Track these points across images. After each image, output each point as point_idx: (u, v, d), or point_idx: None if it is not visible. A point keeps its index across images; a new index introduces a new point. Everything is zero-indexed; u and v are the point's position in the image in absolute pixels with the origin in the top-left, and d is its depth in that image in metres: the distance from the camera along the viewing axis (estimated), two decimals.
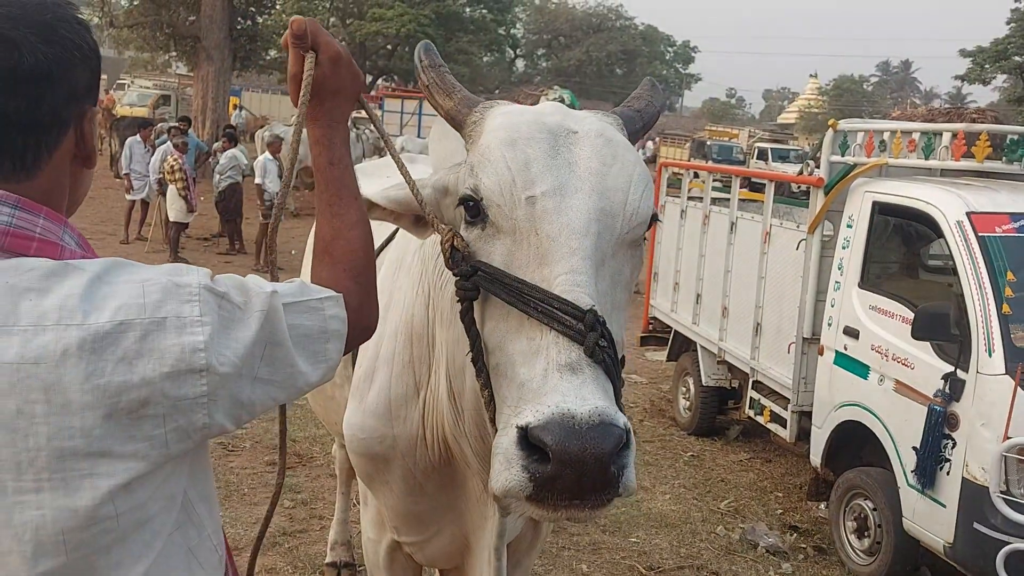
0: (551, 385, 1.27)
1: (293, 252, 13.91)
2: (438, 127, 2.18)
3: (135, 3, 24.18)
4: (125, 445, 1.05)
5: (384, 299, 1.89)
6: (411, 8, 34.73)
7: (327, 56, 1.39)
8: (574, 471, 1.20)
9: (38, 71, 1.10)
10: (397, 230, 2.29)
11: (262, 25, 29.02)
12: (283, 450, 1.55)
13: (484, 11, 40.65)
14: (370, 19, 34.11)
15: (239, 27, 25.01)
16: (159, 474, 1.10)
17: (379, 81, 40.11)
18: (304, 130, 1.41)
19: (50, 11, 1.13)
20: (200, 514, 1.19)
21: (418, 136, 19.68)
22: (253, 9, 27.24)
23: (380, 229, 2.36)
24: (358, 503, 4.86)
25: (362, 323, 1.33)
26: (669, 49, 56.69)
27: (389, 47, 37.07)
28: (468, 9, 40.15)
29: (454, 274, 1.53)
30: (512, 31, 46.42)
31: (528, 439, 1.24)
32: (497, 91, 38.62)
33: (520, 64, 51.69)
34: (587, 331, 1.30)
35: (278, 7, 33.35)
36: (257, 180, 12.74)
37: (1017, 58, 25.96)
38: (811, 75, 68.47)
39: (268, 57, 34.31)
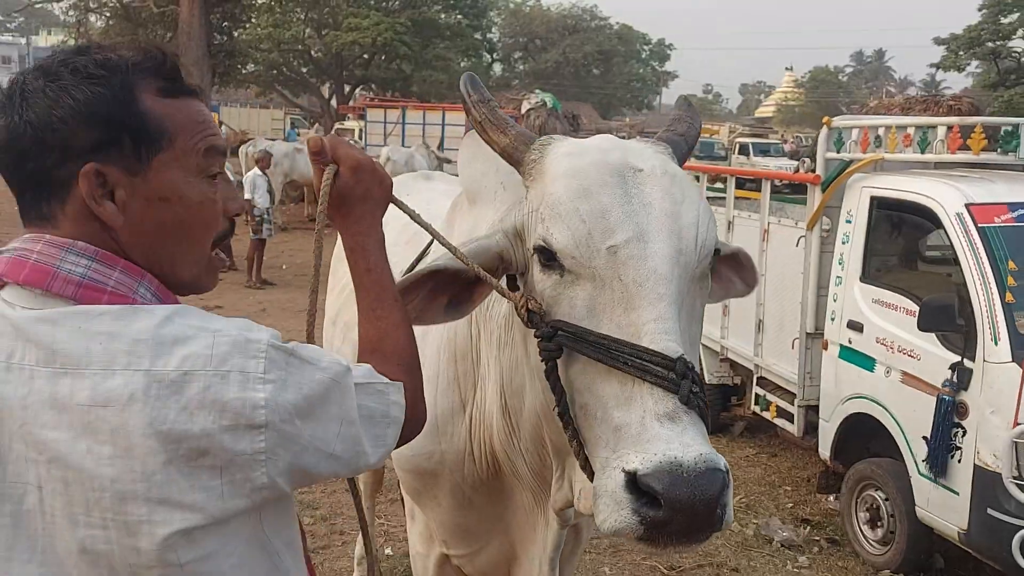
0: (652, 433, 1.30)
1: (284, 267, 13.92)
2: (467, 149, 2.20)
3: (111, 23, 24.07)
4: (183, 494, 1.07)
5: None
6: (386, 17, 34.66)
7: (347, 167, 1.43)
8: (685, 516, 1.25)
9: (14, 134, 1.16)
10: (431, 243, 2.31)
11: (239, 40, 28.97)
12: (365, 532, 1.63)
13: (460, 17, 40.63)
14: (346, 29, 33.98)
15: (216, 43, 24.94)
16: (224, 529, 1.12)
17: (358, 91, 40.03)
18: (326, 239, 1.49)
19: (51, 73, 1.18)
20: (285, 562, 1.22)
21: (403, 145, 19.65)
22: (229, 24, 27.19)
23: (411, 239, 2.38)
24: (381, 517, 4.90)
25: (415, 416, 1.36)
26: (645, 48, 56.88)
27: (366, 56, 36.96)
28: (443, 15, 40.11)
29: (536, 335, 1.53)
30: (488, 35, 46.42)
31: (636, 484, 1.28)
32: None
33: (498, 68, 51.70)
34: (680, 379, 1.32)
35: (253, 20, 33.28)
36: (246, 195, 12.71)
37: (990, 44, 26.30)
38: (786, 68, 69.05)
39: (246, 71, 34.23)
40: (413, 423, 1.35)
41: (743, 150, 28.71)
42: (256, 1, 30.07)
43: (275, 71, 38.27)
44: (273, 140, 22.28)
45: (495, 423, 1.94)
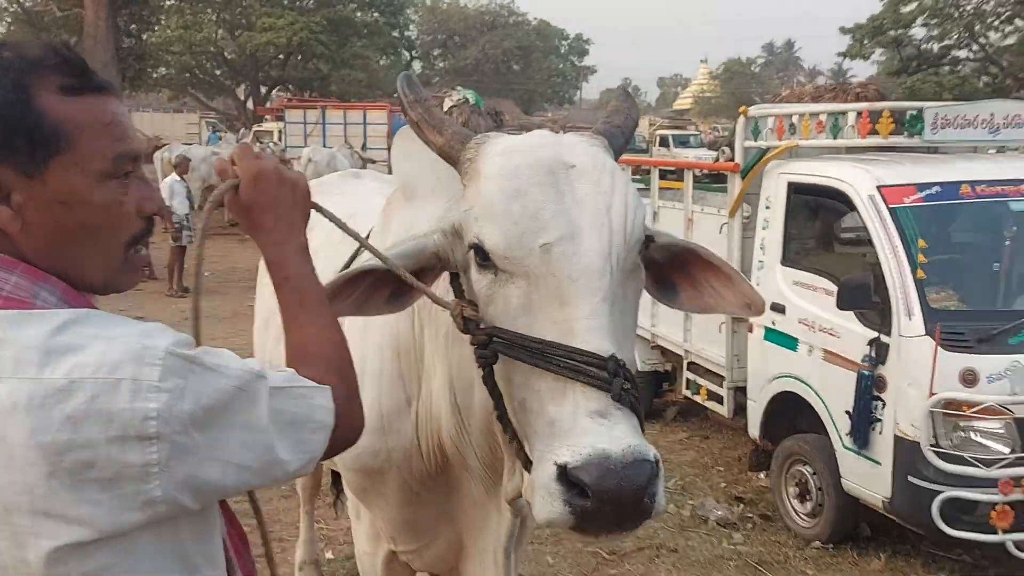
0: (583, 427, 1.33)
1: (206, 274, 13.58)
2: (401, 145, 2.21)
3: (12, 29, 23.12)
4: (68, 508, 1.03)
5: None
6: (301, 16, 34.19)
7: (247, 178, 1.38)
8: (613, 507, 1.29)
9: None
10: (367, 237, 2.29)
11: (148, 42, 28.17)
12: (266, 541, 1.57)
13: (376, 15, 40.30)
14: (260, 29, 33.36)
15: (125, 46, 24.21)
16: (123, 542, 1.08)
17: (275, 92, 39.34)
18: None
19: None
20: None
21: (324, 146, 19.39)
22: (137, 27, 26.43)
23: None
24: (320, 521, 4.85)
25: (349, 422, 1.31)
26: (563, 43, 57.39)
27: (282, 57, 36.36)
28: (359, 14, 39.71)
29: (471, 342, 1.55)
30: (406, 33, 46.19)
31: (567, 476, 1.31)
32: (396, 94, 38.29)
33: (417, 66, 51.42)
34: (612, 378, 1.35)
35: (163, 22, 32.38)
36: (165, 202, 12.38)
37: (892, 32, 27.34)
38: (701, 60, 70.54)
39: (157, 75, 33.28)
40: (347, 429, 1.31)
41: (663, 142, 29.22)
42: (165, 3, 29.27)
43: (188, 74, 37.34)
44: (189, 145, 21.74)
45: (444, 418, 1.95)
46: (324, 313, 1.38)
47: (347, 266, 2.43)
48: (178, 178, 12.56)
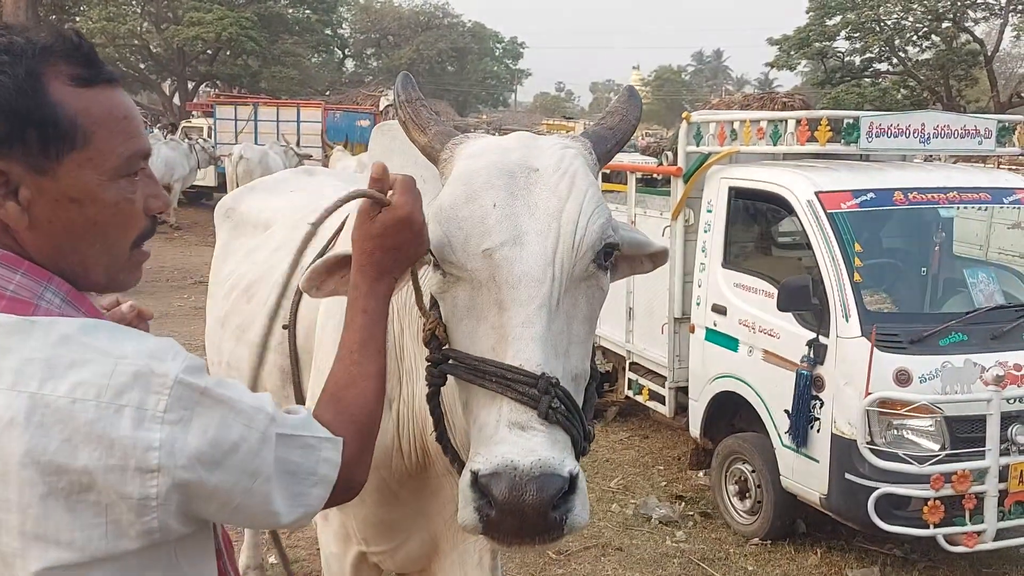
0: (500, 437, 1.34)
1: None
2: (379, 144, 2.20)
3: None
4: (61, 531, 1.00)
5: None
6: (231, 11, 33.40)
7: (398, 214, 1.40)
8: (515, 518, 1.29)
9: None
10: (337, 234, 2.27)
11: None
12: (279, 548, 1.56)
13: (308, 12, 39.72)
14: (187, 23, 32.49)
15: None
16: (116, 564, 1.04)
17: (202, 87, 38.42)
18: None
19: None
20: None
21: (255, 143, 19.01)
22: (57, 17, 25.52)
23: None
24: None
25: (351, 478, 1.28)
26: (498, 45, 57.49)
27: (210, 52, 35.49)
28: (291, 10, 39.08)
29: (427, 359, 1.56)
30: (339, 31, 45.64)
31: (478, 483, 1.33)
32: (328, 92, 37.87)
33: (350, 64, 50.93)
34: (540, 395, 1.34)
35: (84, 13, 31.30)
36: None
37: (817, 44, 28.19)
38: (633, 67, 71.58)
39: None
40: (347, 484, 1.27)
41: None
42: None
43: (110, 67, 36.12)
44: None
45: (430, 419, 1.94)
46: (380, 362, 1.38)
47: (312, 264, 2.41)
48: None
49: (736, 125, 5.45)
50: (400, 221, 1.40)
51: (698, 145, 5.72)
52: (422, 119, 1.74)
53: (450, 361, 1.50)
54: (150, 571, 1.08)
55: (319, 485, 1.21)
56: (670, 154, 5.86)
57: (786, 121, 5.16)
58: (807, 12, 28.55)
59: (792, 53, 28.59)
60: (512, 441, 1.32)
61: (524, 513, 1.28)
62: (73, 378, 1.00)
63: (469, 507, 1.34)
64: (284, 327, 2.31)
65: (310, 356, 2.25)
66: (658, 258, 1.86)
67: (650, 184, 7.05)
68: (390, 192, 1.43)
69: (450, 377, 1.59)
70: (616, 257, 1.70)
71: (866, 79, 28.53)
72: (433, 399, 1.59)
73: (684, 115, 5.85)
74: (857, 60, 28.55)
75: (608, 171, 7.60)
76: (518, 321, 1.40)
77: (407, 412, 2.00)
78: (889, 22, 26.68)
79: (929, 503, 4.17)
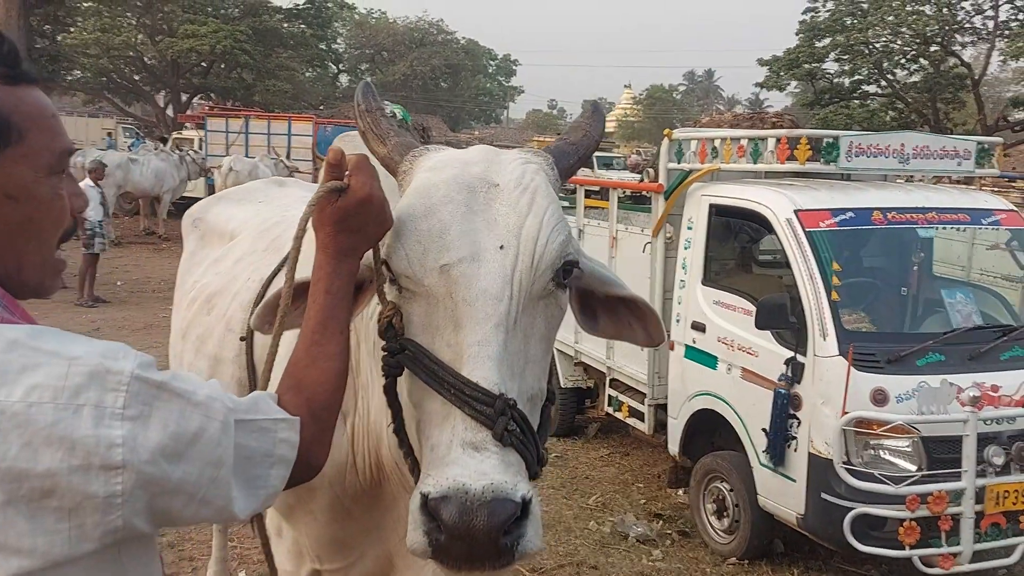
0: (452, 458, 1.30)
1: (119, 283, 13.14)
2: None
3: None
4: (23, 538, 0.97)
5: None
6: (226, 24, 33.45)
7: (357, 196, 1.39)
8: (464, 544, 1.25)
9: None
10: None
11: (63, 44, 27.19)
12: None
13: (303, 26, 39.82)
14: (182, 36, 32.48)
15: (38, 47, 23.31)
16: (70, 568, 1.01)
17: (195, 100, 38.40)
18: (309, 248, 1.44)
19: None
20: None
21: (246, 155, 19.00)
22: (50, 28, 25.49)
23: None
24: (233, 539, 4.69)
25: (310, 459, 1.28)
26: (491, 63, 57.74)
27: (204, 64, 35.52)
28: (286, 24, 39.18)
29: (383, 348, 1.51)
30: (334, 46, 45.76)
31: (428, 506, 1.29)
32: (322, 107, 37.92)
33: (344, 79, 50.90)
34: (497, 416, 1.31)
35: (79, 24, 31.31)
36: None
37: (807, 66, 28.34)
38: (625, 86, 72.00)
39: (72, 78, 32.12)
40: (306, 464, 1.27)
41: (587, 163, 29.57)
42: (82, 4, 28.27)
43: (104, 78, 36.12)
44: (105, 150, 21.03)
45: (385, 434, 1.90)
46: (341, 340, 1.38)
47: (272, 276, 2.37)
48: (92, 183, 12.13)
49: (717, 143, 5.46)
50: (360, 202, 1.40)
51: (679, 162, 5.72)
52: (381, 129, 1.71)
53: (406, 351, 1.45)
54: (100, 573, 1.06)
55: (277, 466, 1.21)
56: (652, 171, 5.85)
57: (766, 139, 5.17)
58: (797, 34, 28.74)
59: (782, 74, 28.72)
60: (464, 463, 1.28)
61: (474, 538, 1.24)
62: (27, 382, 0.98)
63: (419, 530, 1.29)
64: (241, 339, 2.27)
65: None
66: (648, 323, 1.77)
67: (640, 201, 7.05)
68: (347, 175, 1.41)
69: (403, 391, 1.55)
70: (598, 306, 1.70)
71: (855, 100, 28.68)
72: (391, 391, 1.54)
73: (666, 132, 5.85)
74: (846, 82, 28.69)
75: (595, 187, 7.61)
76: (475, 339, 1.36)
77: (362, 427, 1.96)
78: (878, 45, 26.86)
79: (905, 524, 4.15)
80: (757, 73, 30.18)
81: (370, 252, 1.52)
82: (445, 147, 1.71)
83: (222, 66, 35.50)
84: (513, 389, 1.36)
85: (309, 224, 1.45)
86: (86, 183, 12.23)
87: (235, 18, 35.44)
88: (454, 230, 1.44)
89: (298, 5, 40.46)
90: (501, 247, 1.43)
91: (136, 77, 37.48)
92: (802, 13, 28.89)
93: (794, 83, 31.17)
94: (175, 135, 25.00)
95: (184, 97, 37.22)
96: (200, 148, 21.32)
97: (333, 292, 1.39)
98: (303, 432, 1.26)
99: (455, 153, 1.65)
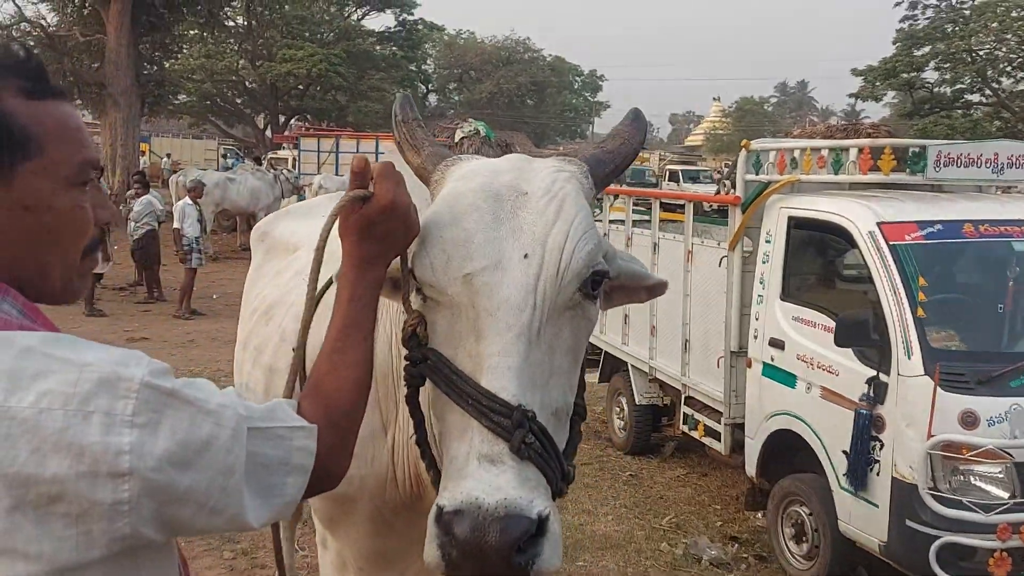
0: (469, 471, 1.28)
1: (215, 296, 13.64)
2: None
3: (35, 52, 23.47)
4: (30, 544, 0.98)
5: None
6: (321, 48, 34.63)
7: (380, 204, 1.37)
8: (475, 560, 1.22)
9: None
10: None
11: (169, 69, 28.58)
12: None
13: (394, 48, 40.83)
14: (280, 60, 33.81)
15: (146, 72, 24.55)
16: (93, 570, 1.02)
17: (292, 121, 39.75)
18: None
19: None
20: None
21: (336, 174, 19.52)
22: (159, 54, 26.82)
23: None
24: (304, 548, 4.77)
25: (329, 467, 1.26)
26: (577, 79, 57.83)
27: (301, 87, 36.78)
28: (378, 47, 40.25)
29: (405, 357, 1.51)
30: (423, 67, 46.73)
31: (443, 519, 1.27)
32: None
33: (433, 99, 51.94)
34: (514, 428, 1.28)
35: (185, 51, 32.87)
36: (175, 224, 12.46)
37: (905, 75, 27.40)
38: (714, 98, 71.00)
39: (178, 102, 33.71)
40: (325, 472, 1.26)
41: (673, 177, 29.26)
42: (187, 32, 29.70)
43: (208, 101, 37.82)
44: (205, 170, 21.97)
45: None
46: (364, 348, 1.36)
47: (327, 287, 2.39)
48: (190, 201, 12.64)
49: (796, 153, 5.29)
50: (383, 209, 1.38)
51: (757, 173, 5.57)
52: (417, 140, 1.71)
53: (428, 361, 1.44)
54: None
55: (294, 474, 1.20)
56: (728, 183, 5.71)
57: (848, 149, 4.98)
58: (894, 43, 27.82)
59: (878, 84, 27.85)
60: (479, 477, 1.26)
61: (485, 555, 1.21)
62: (38, 388, 0.99)
63: (433, 544, 1.27)
64: (293, 349, 2.30)
65: None
66: (655, 290, 1.77)
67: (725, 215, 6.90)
68: (372, 183, 1.40)
69: (425, 402, 1.54)
70: (610, 286, 1.63)
71: (957, 110, 27.52)
72: (412, 400, 1.53)
73: (743, 143, 5.71)
74: (947, 91, 27.60)
75: (671, 201, 7.50)
76: (495, 350, 1.34)
77: (402, 439, 1.95)
78: (981, 52, 25.75)
79: (996, 554, 3.90)
80: (852, 84, 29.28)
81: (398, 260, 1.51)
82: (478, 156, 1.70)
83: (317, 88, 36.71)
84: (535, 402, 1.33)
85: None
86: (184, 201, 12.77)
87: (330, 42, 36.65)
88: (478, 239, 1.42)
89: (390, 28, 41.59)
90: (525, 256, 1.40)
91: (238, 100, 39.14)
92: (900, 21, 28.03)
93: (891, 93, 30.16)
94: (270, 155, 25.94)
95: (282, 119, 38.63)
96: (294, 167, 22.04)
97: (356, 300, 1.38)
98: (321, 440, 1.24)
99: (487, 162, 1.63)
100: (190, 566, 1.41)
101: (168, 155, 30.67)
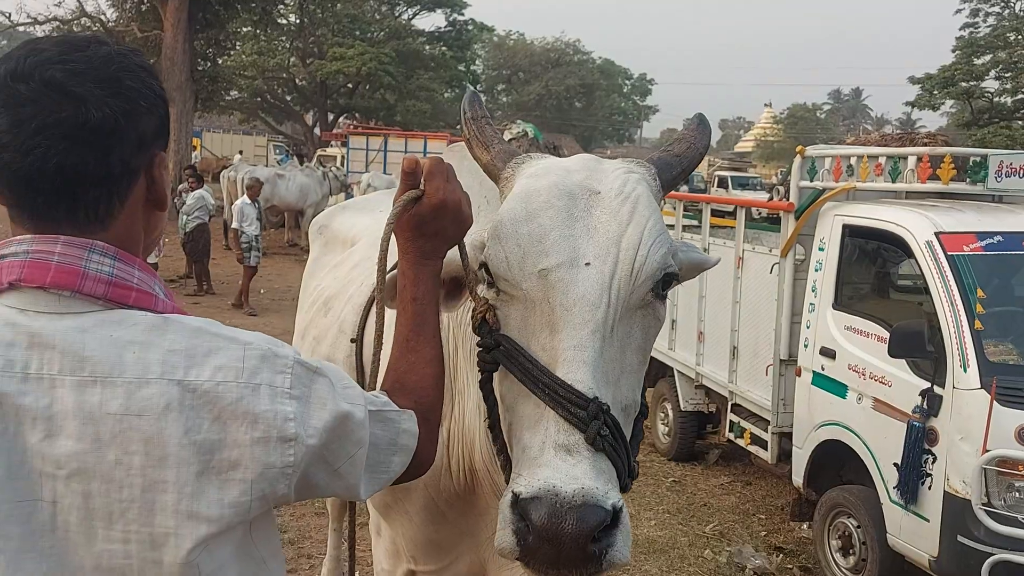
0: (545, 459, 1.30)
1: (262, 291, 13.85)
2: (450, 163, 2.22)
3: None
4: (212, 507, 1.06)
5: None
6: (371, 47, 34.91)
7: (431, 202, 1.43)
8: (552, 546, 1.24)
9: (106, 125, 1.09)
10: None
11: (223, 66, 29.06)
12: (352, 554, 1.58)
13: (444, 48, 41.02)
14: (331, 58, 34.18)
15: (200, 68, 25.00)
16: (236, 534, 1.10)
17: (341, 119, 40.20)
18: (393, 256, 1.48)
19: (115, 63, 1.12)
20: (271, 569, 1.20)
21: (384, 172, 19.70)
22: (213, 51, 27.28)
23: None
24: (348, 540, 4.82)
25: (420, 455, 1.33)
26: (627, 82, 57.64)
27: (350, 85, 37.16)
28: (428, 47, 40.47)
29: (478, 344, 1.53)
30: (472, 67, 46.88)
31: (519, 506, 1.28)
32: (458, 126, 38.74)
33: (481, 99, 52.10)
34: (590, 420, 1.30)
35: (238, 47, 33.41)
36: (234, 224, 12.55)
37: (963, 84, 26.81)
38: (765, 104, 69.95)
39: (229, 98, 34.26)
40: (417, 461, 1.33)
41: (722, 183, 28.98)
42: (241, 29, 30.20)
43: (259, 98, 38.39)
44: (254, 165, 22.30)
45: (478, 440, 1.91)
46: (435, 344, 1.42)
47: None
48: (248, 200, 12.67)
49: (853, 160, 5.22)
50: (435, 208, 1.43)
51: (812, 180, 5.50)
52: (486, 137, 1.74)
53: (501, 347, 1.46)
54: (240, 550, 1.13)
55: (399, 453, 1.29)
56: (781, 188, 5.65)
57: (906, 158, 4.90)
58: (953, 51, 27.25)
59: (935, 92, 27.27)
60: (556, 466, 1.28)
61: (562, 542, 1.23)
62: (213, 363, 1.08)
63: (507, 529, 1.30)
64: (352, 341, 2.34)
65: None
66: (709, 269, 1.84)
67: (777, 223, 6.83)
68: (423, 183, 1.45)
69: (498, 389, 1.56)
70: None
71: (1017, 120, 26.83)
72: (486, 385, 1.55)
73: (798, 149, 5.64)
74: (1008, 101, 26.93)
75: (721, 206, 7.43)
76: (570, 344, 1.36)
77: (457, 431, 1.98)
78: None
79: None
80: (908, 92, 28.67)
81: (456, 252, 1.54)
82: (547, 155, 1.71)
83: (367, 87, 37.04)
84: (607, 396, 1.35)
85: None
86: (243, 200, 12.84)
87: (380, 41, 36.91)
88: (554, 235, 1.44)
89: (440, 28, 41.76)
90: (600, 254, 1.43)
91: (288, 97, 39.65)
92: (960, 29, 27.47)
93: (949, 103, 29.54)
94: (319, 152, 26.25)
95: (331, 117, 39.06)
96: (342, 165, 22.29)
97: (419, 299, 1.43)
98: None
99: (556, 160, 1.66)
100: None
101: (240, 152, 31.14)
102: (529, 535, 1.26)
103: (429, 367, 1.40)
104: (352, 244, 3.08)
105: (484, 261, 1.51)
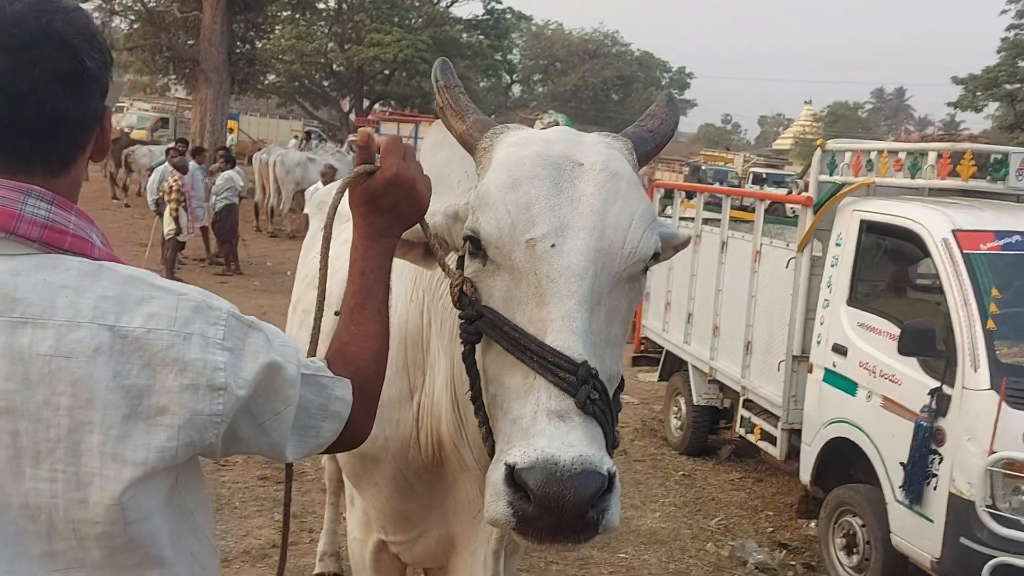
0: (539, 428, 1.30)
1: (288, 273, 13.98)
2: (434, 136, 2.23)
3: (135, 27, 24.40)
4: (137, 452, 1.07)
5: None
6: (408, 34, 34.98)
7: (384, 176, 1.43)
8: (553, 515, 1.25)
9: (93, 75, 1.16)
10: None
11: (261, 49, 29.29)
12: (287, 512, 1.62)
13: (481, 37, 40.97)
14: (368, 44, 34.30)
15: (238, 51, 25.21)
16: (164, 483, 1.12)
17: (376, 105, 40.37)
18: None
19: (87, 18, 1.20)
20: (199, 521, 1.22)
21: None
22: (252, 33, 27.49)
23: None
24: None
25: (353, 425, 1.34)
26: (665, 75, 57.10)
27: (386, 72, 37.27)
28: (465, 35, 40.46)
29: (459, 316, 1.54)
30: (509, 57, 46.79)
31: (514, 477, 1.28)
32: (493, 115, 38.80)
33: (517, 89, 51.97)
34: (580, 384, 1.32)
35: (277, 31, 33.66)
36: (307, 211, 12.63)
37: (1008, 86, 26.24)
38: (805, 101, 69.16)
39: (266, 81, 34.55)
40: (351, 431, 1.34)
41: (757, 179, 28.67)
42: (280, 13, 30.40)
43: (296, 83, 38.67)
44: (286, 150, 22.45)
45: (444, 413, 1.93)
46: (380, 320, 1.43)
47: None
48: (322, 186, 12.71)
49: (873, 155, 5.14)
50: (387, 182, 1.43)
51: (831, 174, 5.43)
52: (460, 106, 1.74)
53: (484, 317, 1.47)
54: (169, 500, 1.15)
55: (330, 420, 1.29)
56: (800, 182, 5.58)
57: (927, 153, 4.81)
58: (998, 52, 26.65)
59: (978, 94, 26.73)
60: (551, 434, 1.29)
61: (563, 510, 1.24)
62: (145, 311, 1.10)
63: (501, 501, 1.30)
64: (336, 314, 2.36)
65: None
66: (681, 247, 1.84)
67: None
68: (378, 157, 1.45)
69: (481, 362, 1.56)
70: None
71: None
72: (469, 357, 1.56)
73: (819, 142, 5.57)
74: None
75: (739, 199, 7.37)
76: (559, 314, 1.37)
77: (427, 403, 1.99)
78: None
79: None
80: (952, 92, 28.11)
81: (419, 227, 1.55)
82: (523, 127, 1.71)
83: (403, 74, 37.12)
84: (595, 364, 1.36)
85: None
86: (316, 186, 12.80)
87: (417, 28, 36.95)
88: (540, 205, 1.46)
89: (478, 16, 41.71)
90: (585, 226, 1.45)
91: (324, 83, 39.88)
92: (1005, 30, 26.82)
93: (994, 105, 28.93)
94: (351, 137, 26.37)
95: (366, 103, 39.23)
96: None
97: (367, 273, 1.43)
98: (353, 398, 1.32)
99: (535, 132, 1.67)
100: (244, 525, 1.49)
101: (295, 135, 31.46)
102: (528, 505, 1.26)
103: (370, 341, 1.40)
104: (347, 220, 3.11)
105: (472, 233, 1.51)
